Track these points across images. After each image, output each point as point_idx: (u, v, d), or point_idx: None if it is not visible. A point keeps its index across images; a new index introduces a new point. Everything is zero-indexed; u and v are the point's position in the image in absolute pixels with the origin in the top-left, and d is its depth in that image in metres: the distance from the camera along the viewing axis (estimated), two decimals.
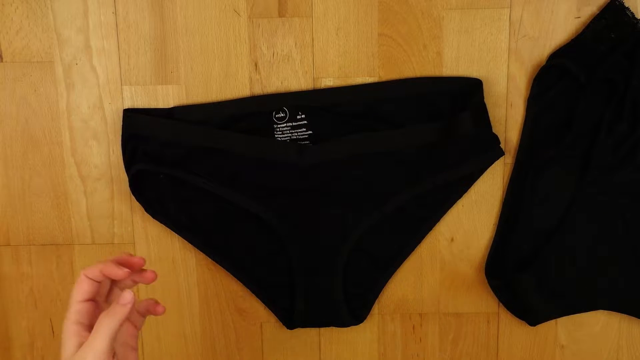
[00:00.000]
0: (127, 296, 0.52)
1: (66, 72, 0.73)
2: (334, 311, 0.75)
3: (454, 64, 0.72)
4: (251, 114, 0.72)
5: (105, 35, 0.72)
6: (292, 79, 0.73)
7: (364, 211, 0.72)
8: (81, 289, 0.53)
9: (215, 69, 0.73)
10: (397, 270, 0.77)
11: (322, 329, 0.79)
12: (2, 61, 0.72)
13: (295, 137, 0.72)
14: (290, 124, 0.72)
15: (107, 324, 0.51)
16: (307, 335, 0.79)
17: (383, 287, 0.76)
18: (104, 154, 0.74)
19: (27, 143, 0.74)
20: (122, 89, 0.73)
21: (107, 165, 0.75)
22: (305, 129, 0.72)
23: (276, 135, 0.72)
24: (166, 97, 0.73)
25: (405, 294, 0.78)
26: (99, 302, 0.55)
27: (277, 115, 0.72)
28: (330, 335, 0.79)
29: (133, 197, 0.74)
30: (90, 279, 0.53)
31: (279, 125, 0.72)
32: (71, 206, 0.76)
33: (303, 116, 0.72)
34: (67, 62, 0.72)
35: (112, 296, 0.57)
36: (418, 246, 0.76)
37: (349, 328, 0.78)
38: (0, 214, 0.76)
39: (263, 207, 0.72)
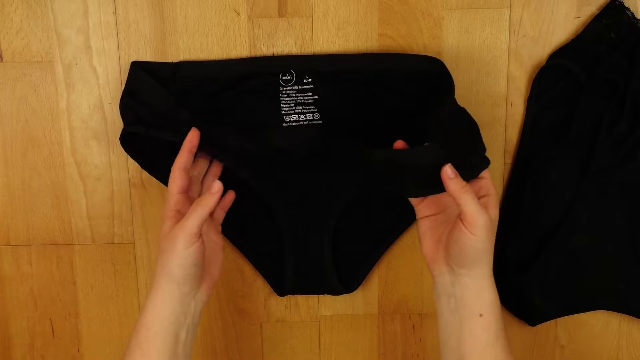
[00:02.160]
0: (216, 186, 0.61)
1: (66, 72, 0.73)
2: (324, 278, 0.74)
3: (454, 64, 0.72)
4: (257, 75, 0.71)
5: (105, 35, 0.72)
6: None
7: (353, 172, 0.70)
8: (176, 184, 0.63)
9: None
10: (397, 270, 0.77)
11: (322, 329, 0.79)
12: (2, 61, 0.72)
13: (300, 100, 0.72)
14: (297, 87, 0.72)
15: (199, 209, 0.60)
16: (307, 335, 0.79)
17: (378, 259, 0.76)
18: (104, 154, 0.74)
19: (27, 143, 0.74)
20: (122, 89, 0.73)
21: (107, 165, 0.75)
22: (311, 94, 0.72)
23: (281, 98, 0.72)
24: None
25: (405, 294, 0.78)
26: (191, 197, 0.65)
27: (283, 78, 0.71)
28: (331, 335, 0.79)
29: (133, 198, 0.74)
30: (183, 170, 0.63)
31: (284, 88, 0.71)
32: (71, 206, 0.76)
33: (310, 80, 0.71)
34: (67, 62, 0.72)
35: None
36: (418, 246, 0.76)
37: (348, 328, 0.78)
38: (0, 214, 0.76)
39: (249, 171, 0.69)
